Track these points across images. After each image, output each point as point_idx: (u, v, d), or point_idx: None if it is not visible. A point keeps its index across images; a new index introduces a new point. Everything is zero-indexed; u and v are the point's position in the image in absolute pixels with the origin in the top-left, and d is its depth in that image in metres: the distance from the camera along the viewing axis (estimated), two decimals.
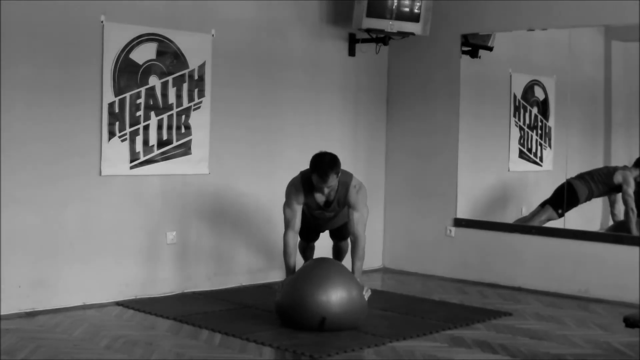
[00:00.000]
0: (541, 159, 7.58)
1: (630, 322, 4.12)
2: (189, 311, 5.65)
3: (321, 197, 5.36)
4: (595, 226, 7.29)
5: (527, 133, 7.52)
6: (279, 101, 6.88)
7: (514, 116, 7.49)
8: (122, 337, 4.94)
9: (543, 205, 7.06)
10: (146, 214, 6.10)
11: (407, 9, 6.84)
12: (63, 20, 5.59)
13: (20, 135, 5.42)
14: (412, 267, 7.50)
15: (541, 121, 7.55)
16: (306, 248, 6.04)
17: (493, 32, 7.24)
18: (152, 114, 6.05)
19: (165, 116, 6.12)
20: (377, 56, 7.45)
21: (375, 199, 7.42)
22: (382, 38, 7.17)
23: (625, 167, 6.86)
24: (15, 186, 5.40)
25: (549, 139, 7.55)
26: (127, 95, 5.91)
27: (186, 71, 6.23)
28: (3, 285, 5.37)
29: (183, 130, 6.24)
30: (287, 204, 5.38)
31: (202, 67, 6.31)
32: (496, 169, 7.66)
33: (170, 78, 6.14)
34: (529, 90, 7.52)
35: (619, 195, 6.92)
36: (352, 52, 7.37)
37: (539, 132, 7.55)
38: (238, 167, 6.63)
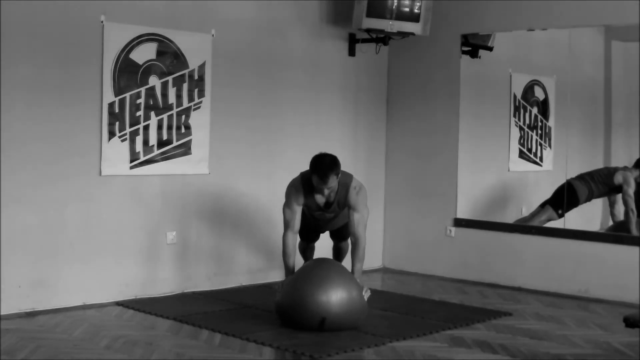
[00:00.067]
0: (541, 159, 7.58)
1: (630, 322, 4.12)
2: (189, 311, 5.65)
3: (321, 199, 5.36)
4: (595, 226, 7.29)
5: (527, 133, 7.52)
6: (279, 101, 6.88)
7: (514, 116, 7.49)
8: (122, 337, 4.94)
9: (543, 205, 7.06)
10: (146, 214, 6.10)
11: (407, 9, 6.84)
12: (63, 20, 5.59)
13: (20, 135, 5.42)
14: (412, 267, 7.50)
15: (541, 121, 7.55)
16: (306, 248, 6.04)
17: (493, 32, 7.24)
18: (152, 114, 6.05)
19: (165, 116, 6.12)
20: (377, 56, 7.45)
21: (375, 199, 7.42)
22: (382, 38, 7.17)
23: (625, 168, 6.86)
24: (15, 186, 5.40)
25: (549, 139, 7.55)
26: (127, 95, 5.91)
27: (186, 71, 6.23)
28: (3, 285, 5.37)
29: (183, 130, 6.24)
30: (287, 205, 5.38)
31: (202, 67, 6.31)
32: (496, 169, 7.66)
33: (170, 78, 6.14)
34: (529, 90, 7.52)
35: (619, 196, 6.92)
36: (352, 52, 7.37)
37: (539, 132, 7.55)
38: (238, 167, 6.63)
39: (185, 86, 6.22)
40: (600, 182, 6.90)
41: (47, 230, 5.58)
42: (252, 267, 6.75)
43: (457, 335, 5.15)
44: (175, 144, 6.19)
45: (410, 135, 7.54)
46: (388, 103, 7.69)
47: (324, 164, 5.16)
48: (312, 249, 6.07)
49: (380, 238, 7.69)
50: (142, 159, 6.02)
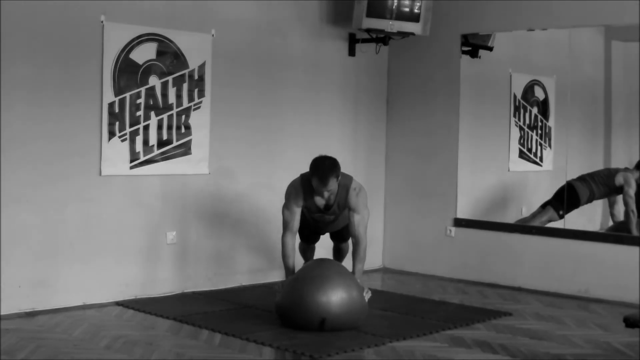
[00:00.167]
0: (541, 159, 7.58)
1: (630, 322, 4.12)
2: (189, 311, 5.65)
3: (321, 201, 5.35)
4: (595, 226, 7.29)
5: (527, 133, 7.52)
6: (279, 101, 6.88)
7: (514, 116, 7.49)
8: (122, 337, 4.94)
9: (544, 206, 7.06)
10: (146, 214, 6.10)
11: (407, 9, 6.84)
12: (63, 20, 5.59)
13: (20, 135, 5.43)
14: (412, 267, 7.50)
15: (541, 121, 7.55)
16: (306, 249, 6.04)
17: (493, 32, 7.24)
18: (152, 114, 6.05)
19: (165, 116, 6.12)
20: (377, 56, 7.45)
21: (375, 199, 7.42)
22: (382, 38, 7.17)
23: (626, 169, 6.86)
24: (15, 186, 5.40)
25: (549, 139, 7.55)
26: (127, 95, 5.91)
27: (186, 71, 6.23)
28: (3, 285, 5.37)
29: (183, 130, 6.24)
30: (286, 206, 5.38)
31: (202, 67, 6.31)
32: (496, 169, 7.66)
33: (170, 78, 6.14)
34: (529, 90, 7.52)
35: (619, 197, 6.92)
36: (352, 52, 7.36)
37: (539, 132, 7.55)
38: (238, 167, 6.63)
39: (185, 86, 6.22)
40: (601, 183, 6.90)
41: (47, 230, 5.58)
42: (252, 267, 6.75)
43: (457, 335, 5.15)
44: (175, 144, 6.19)
45: (410, 135, 7.54)
46: (388, 103, 7.69)
47: (324, 167, 5.15)
48: (313, 250, 6.07)
49: (380, 238, 7.69)
50: (142, 159, 6.02)
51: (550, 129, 7.55)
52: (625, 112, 7.31)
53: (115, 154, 5.87)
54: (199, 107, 6.31)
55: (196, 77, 6.28)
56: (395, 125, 7.65)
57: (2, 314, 5.33)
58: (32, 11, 5.43)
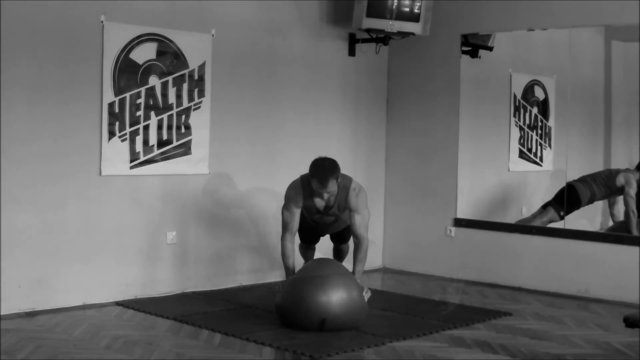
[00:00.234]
0: (541, 159, 7.58)
1: (630, 322, 4.12)
2: (189, 311, 5.65)
3: (321, 202, 5.34)
4: (595, 226, 7.29)
5: (527, 133, 7.52)
6: (279, 101, 6.88)
7: (514, 116, 7.49)
8: (122, 337, 4.94)
9: (545, 207, 7.05)
10: (146, 214, 6.10)
11: (407, 9, 6.84)
12: (63, 20, 5.59)
13: (20, 134, 5.42)
14: (412, 267, 7.50)
15: (541, 121, 7.55)
16: (307, 250, 6.03)
17: (493, 32, 7.24)
18: (152, 113, 6.05)
19: (165, 116, 6.12)
20: (377, 56, 7.45)
21: (375, 199, 7.42)
22: (382, 38, 7.17)
23: (627, 170, 6.86)
24: (15, 186, 5.40)
25: (549, 139, 7.55)
26: (127, 95, 5.91)
27: (186, 71, 6.23)
28: (3, 285, 5.37)
29: (183, 130, 6.24)
30: (286, 207, 5.37)
31: (202, 67, 6.31)
32: (496, 169, 7.66)
33: (170, 78, 6.14)
34: (529, 90, 7.52)
35: (619, 197, 6.92)
36: (352, 52, 7.36)
37: (539, 132, 7.55)
38: (238, 167, 6.63)
39: (185, 86, 6.22)
40: (602, 184, 6.90)
41: (47, 230, 5.58)
42: (252, 267, 6.75)
43: (457, 335, 5.15)
44: (175, 144, 6.19)
45: (410, 135, 7.54)
46: (388, 103, 7.69)
47: (323, 169, 5.14)
48: (313, 251, 6.06)
49: (380, 238, 7.69)
50: (142, 159, 6.02)
51: (550, 129, 7.55)
52: (625, 112, 7.31)
53: (115, 154, 5.86)
54: (199, 107, 6.31)
55: (196, 77, 6.28)
56: (395, 125, 7.65)
57: (2, 314, 5.33)
58: (32, 11, 5.43)
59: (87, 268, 5.77)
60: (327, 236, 5.95)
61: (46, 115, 5.55)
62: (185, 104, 6.24)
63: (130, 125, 5.93)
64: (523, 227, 6.94)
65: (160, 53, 6.07)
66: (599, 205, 7.19)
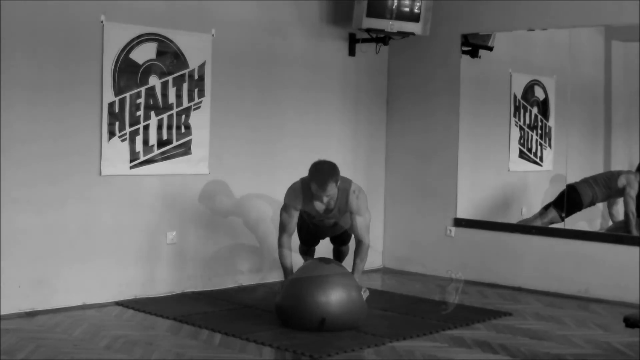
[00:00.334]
0: (541, 158, 7.58)
1: (630, 322, 4.12)
2: (189, 311, 5.65)
3: (321, 205, 5.30)
4: (595, 227, 7.28)
5: (527, 133, 7.52)
6: (279, 101, 6.88)
7: (514, 116, 7.49)
8: (122, 337, 4.94)
9: (546, 208, 7.05)
10: (146, 214, 6.10)
11: (407, 9, 6.84)
12: (63, 20, 5.59)
13: (20, 134, 5.42)
14: (412, 267, 7.50)
15: (541, 121, 7.55)
16: (307, 251, 6.02)
17: (493, 32, 7.23)
18: (152, 113, 6.05)
19: (165, 116, 6.12)
20: (377, 56, 7.45)
21: (375, 199, 7.42)
22: (382, 38, 7.17)
23: (629, 172, 6.86)
24: (15, 186, 5.40)
25: (549, 139, 7.55)
26: (127, 95, 5.91)
27: (186, 71, 6.23)
28: (3, 285, 5.37)
29: (183, 130, 6.24)
30: (285, 209, 5.36)
31: (202, 67, 6.31)
32: (496, 169, 7.65)
33: (170, 78, 6.14)
34: (529, 90, 7.52)
35: (620, 198, 6.91)
36: (352, 52, 7.36)
37: (539, 132, 7.55)
38: (238, 167, 6.63)
39: (185, 86, 6.22)
40: (604, 186, 6.90)
41: (47, 230, 5.58)
42: (252, 267, 6.75)
43: (457, 335, 5.15)
44: (175, 143, 6.19)
45: (410, 134, 7.54)
46: (388, 103, 7.69)
47: (323, 172, 5.12)
48: (313, 252, 6.04)
49: (380, 238, 7.68)
50: (142, 158, 6.02)
51: (550, 129, 7.55)
52: (625, 112, 7.31)
53: (115, 154, 5.86)
54: (199, 107, 6.31)
55: (196, 77, 6.28)
56: (395, 125, 7.65)
57: (2, 314, 5.33)
58: (32, 11, 5.42)
59: (87, 268, 5.77)
60: (327, 238, 5.94)
61: (46, 115, 5.55)
62: (185, 104, 6.24)
63: (130, 125, 5.93)
64: (523, 227, 6.94)
65: (160, 53, 6.07)
66: (599, 207, 7.19)
